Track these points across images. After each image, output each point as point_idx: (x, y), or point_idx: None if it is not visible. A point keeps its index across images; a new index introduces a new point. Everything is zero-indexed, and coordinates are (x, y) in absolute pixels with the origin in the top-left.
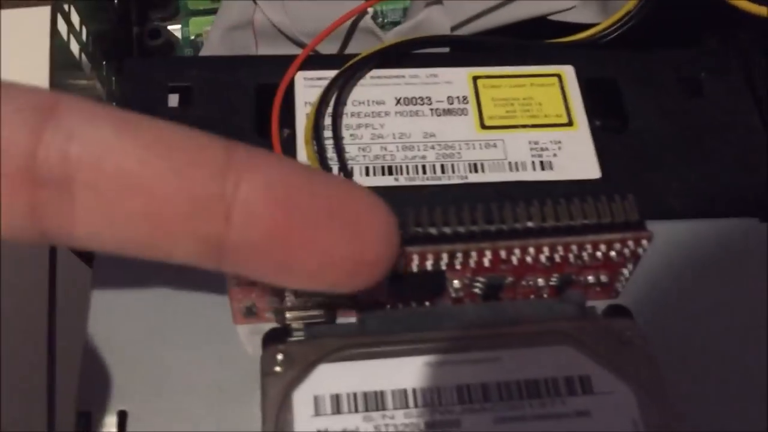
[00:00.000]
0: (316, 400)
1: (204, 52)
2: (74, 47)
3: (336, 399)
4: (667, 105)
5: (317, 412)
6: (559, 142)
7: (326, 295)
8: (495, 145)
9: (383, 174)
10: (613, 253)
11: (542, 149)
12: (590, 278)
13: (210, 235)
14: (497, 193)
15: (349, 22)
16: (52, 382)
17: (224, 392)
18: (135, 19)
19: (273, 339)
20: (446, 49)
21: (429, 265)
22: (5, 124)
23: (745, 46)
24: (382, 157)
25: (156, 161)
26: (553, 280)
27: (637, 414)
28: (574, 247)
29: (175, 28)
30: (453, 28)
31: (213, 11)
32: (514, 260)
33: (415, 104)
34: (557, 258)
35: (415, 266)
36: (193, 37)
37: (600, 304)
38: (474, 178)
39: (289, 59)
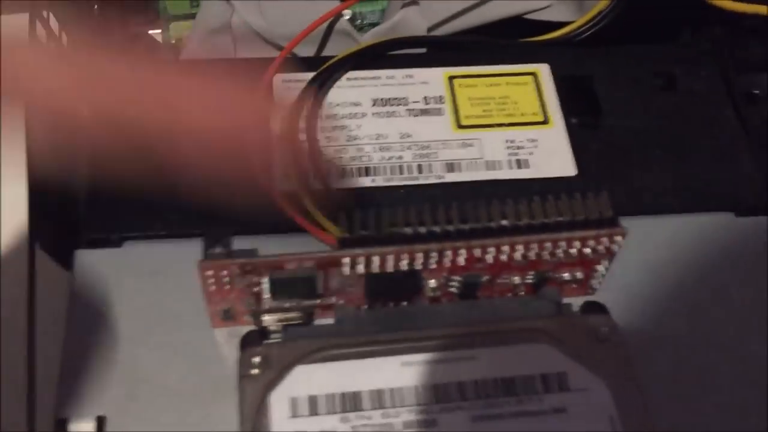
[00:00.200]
0: (293, 401)
1: (184, 55)
2: None
3: (313, 400)
4: (642, 100)
5: (294, 414)
6: (535, 140)
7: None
8: (471, 145)
9: (360, 175)
10: (587, 250)
11: (518, 147)
12: (566, 275)
13: None
14: (474, 192)
15: (325, 25)
16: (32, 388)
17: (202, 395)
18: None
19: (250, 341)
20: (423, 50)
21: (404, 264)
22: None
23: (719, 39)
24: (358, 158)
25: None
26: (529, 278)
27: (614, 410)
28: (548, 245)
29: (155, 33)
30: (430, 29)
31: (193, 15)
32: (489, 259)
33: (392, 105)
34: (532, 255)
35: (390, 266)
36: (174, 42)
37: (577, 301)
38: (451, 177)
39: (267, 62)
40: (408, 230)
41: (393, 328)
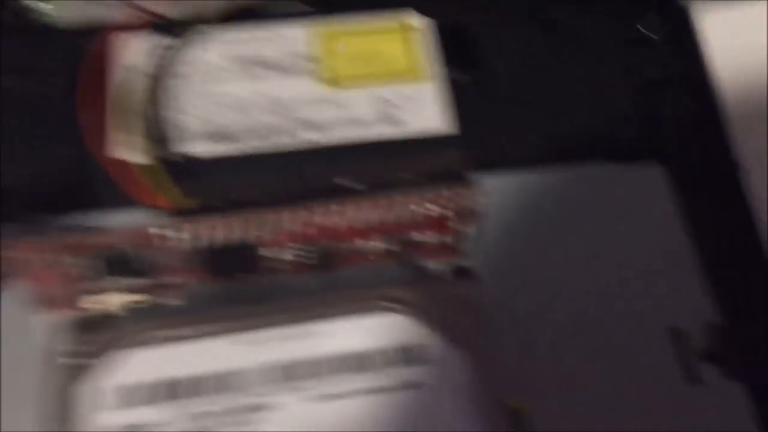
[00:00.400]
0: (114, 391)
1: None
2: None
3: (134, 389)
4: (522, 48)
5: (122, 404)
6: (408, 96)
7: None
8: (340, 104)
9: (216, 141)
10: (442, 209)
11: (390, 104)
12: (427, 238)
13: None
14: (342, 154)
15: None
16: None
17: (20, 387)
18: None
19: (69, 329)
20: (294, 6)
21: (237, 235)
22: None
23: None
24: (215, 122)
25: None
26: (388, 243)
27: (471, 380)
28: (398, 205)
29: (46, 7)
30: None
31: None
32: (335, 223)
33: (257, 65)
34: (382, 218)
35: (222, 237)
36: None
37: (444, 266)
38: (317, 139)
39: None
40: (242, 198)
41: (239, 304)
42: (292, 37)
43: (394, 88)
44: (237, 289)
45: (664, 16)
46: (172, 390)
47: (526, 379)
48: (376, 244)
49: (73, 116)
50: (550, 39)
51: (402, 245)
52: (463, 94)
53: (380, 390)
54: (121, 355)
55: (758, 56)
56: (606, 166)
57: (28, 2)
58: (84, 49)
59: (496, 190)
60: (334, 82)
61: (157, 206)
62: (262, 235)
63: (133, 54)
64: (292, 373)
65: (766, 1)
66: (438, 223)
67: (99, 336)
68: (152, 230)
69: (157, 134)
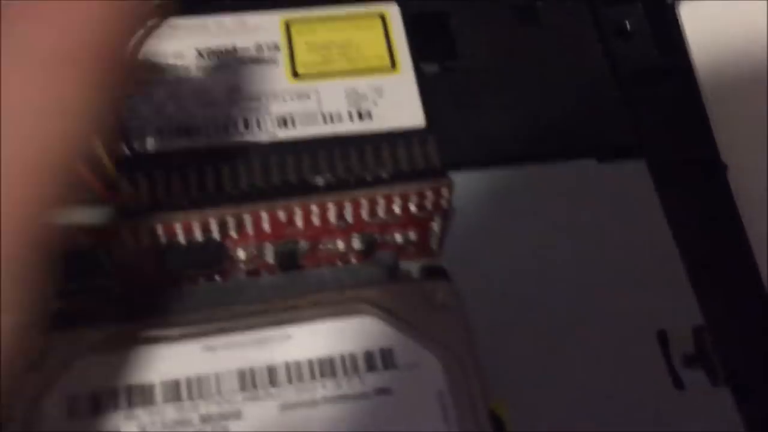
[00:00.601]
0: (71, 399)
1: None
2: None
3: (95, 396)
4: (501, 39)
5: (71, 414)
6: (380, 88)
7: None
8: (308, 96)
9: (178, 136)
10: (412, 207)
11: (360, 97)
12: (398, 237)
13: None
14: (310, 149)
15: None
16: None
17: None
18: None
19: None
20: None
21: (199, 234)
22: None
23: None
24: (178, 117)
25: None
26: (356, 243)
27: (444, 385)
28: (364, 202)
29: None
30: None
31: None
32: (299, 221)
33: (219, 55)
34: (348, 216)
35: (182, 237)
36: None
37: (416, 266)
38: (284, 133)
39: None
40: (200, 195)
41: (204, 307)
42: (261, 27)
43: (366, 80)
44: (202, 289)
45: (647, 9)
46: (146, 395)
47: (504, 383)
48: (345, 243)
49: None
50: (529, 30)
51: (372, 244)
52: (439, 87)
53: (347, 397)
54: (88, 359)
55: (739, 49)
56: (589, 164)
57: None
58: None
59: (473, 188)
60: (303, 73)
61: (116, 202)
62: (227, 234)
63: None
64: (253, 381)
65: None
66: (410, 222)
67: (63, 340)
68: (113, 228)
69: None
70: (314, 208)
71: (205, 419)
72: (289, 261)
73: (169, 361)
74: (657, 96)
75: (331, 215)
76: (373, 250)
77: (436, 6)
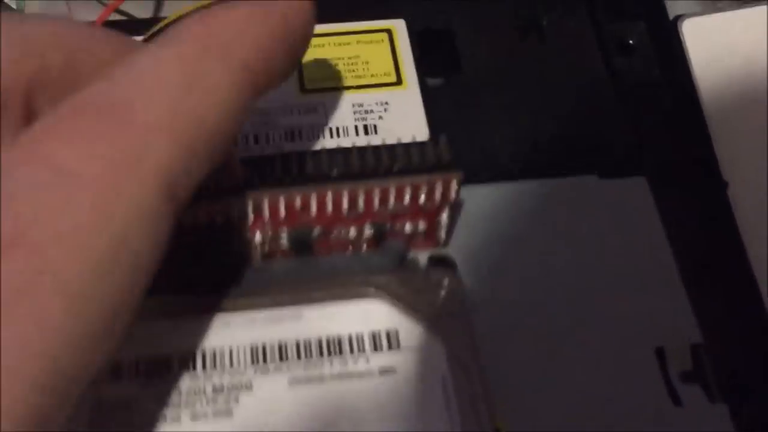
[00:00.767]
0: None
1: None
2: None
3: (115, 365)
4: (505, 56)
5: (108, 379)
6: (386, 103)
7: None
8: (315, 110)
9: None
10: (422, 197)
11: (367, 111)
12: (407, 227)
13: None
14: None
15: None
16: None
17: None
18: None
19: None
20: None
21: (220, 219)
22: None
23: None
24: None
25: None
26: (368, 231)
27: (447, 369)
28: (377, 192)
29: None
30: None
31: None
32: (313, 209)
33: None
34: (361, 205)
35: (203, 219)
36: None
37: (424, 255)
38: (291, 147)
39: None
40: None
41: (222, 287)
42: None
43: (372, 94)
44: (220, 270)
45: (649, 25)
46: (163, 365)
47: (501, 397)
48: (356, 231)
49: None
50: (533, 46)
51: (382, 233)
52: (443, 101)
53: (353, 375)
54: None
55: (740, 66)
56: (590, 179)
57: None
58: None
59: (475, 202)
60: (311, 88)
61: None
62: (244, 219)
63: None
64: (264, 355)
65: (747, 9)
66: (420, 212)
67: None
68: None
69: None
70: (329, 197)
71: (217, 389)
72: (302, 246)
73: (185, 334)
74: (658, 112)
75: (345, 204)
76: (383, 239)
77: (441, 22)
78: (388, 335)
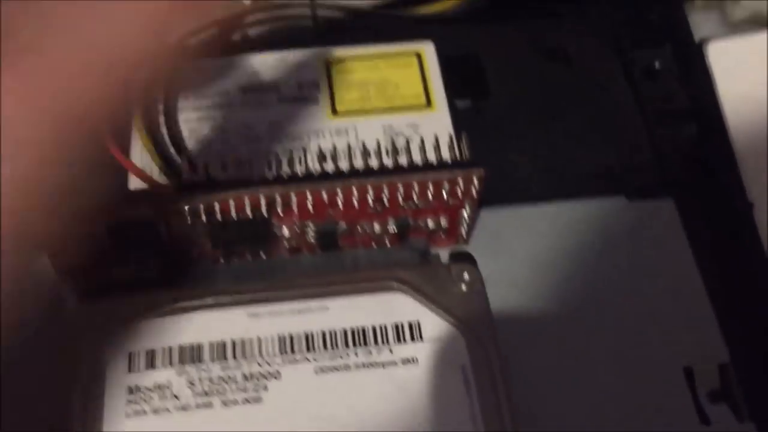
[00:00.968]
0: (130, 356)
1: None
2: None
3: (150, 354)
4: (532, 79)
5: (130, 369)
6: (416, 125)
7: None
8: (347, 132)
9: (225, 170)
10: (444, 193)
11: (397, 134)
12: (430, 223)
13: None
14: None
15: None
16: None
17: (46, 351)
18: None
19: (92, 296)
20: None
21: (249, 211)
22: None
23: (614, 11)
24: (225, 151)
25: None
26: (391, 226)
27: (467, 361)
28: (400, 187)
29: None
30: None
31: None
32: (339, 203)
33: (262, 92)
34: (385, 200)
35: (234, 213)
36: None
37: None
38: (326, 168)
39: None
40: (252, 175)
41: (250, 279)
42: (301, 65)
43: (402, 117)
44: (248, 266)
45: (675, 49)
46: (195, 354)
47: (528, 419)
48: (380, 226)
49: None
50: (559, 70)
51: (405, 228)
52: (472, 124)
53: (377, 365)
54: (146, 321)
55: (765, 88)
56: (618, 201)
57: None
58: None
59: (503, 223)
60: (342, 111)
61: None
62: (271, 212)
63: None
64: (292, 345)
65: None
66: (442, 208)
67: (125, 303)
68: (171, 205)
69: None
70: (354, 192)
71: (248, 377)
72: (328, 240)
73: (216, 324)
74: (684, 134)
75: (370, 199)
76: (406, 234)
77: (469, 45)
78: (410, 327)
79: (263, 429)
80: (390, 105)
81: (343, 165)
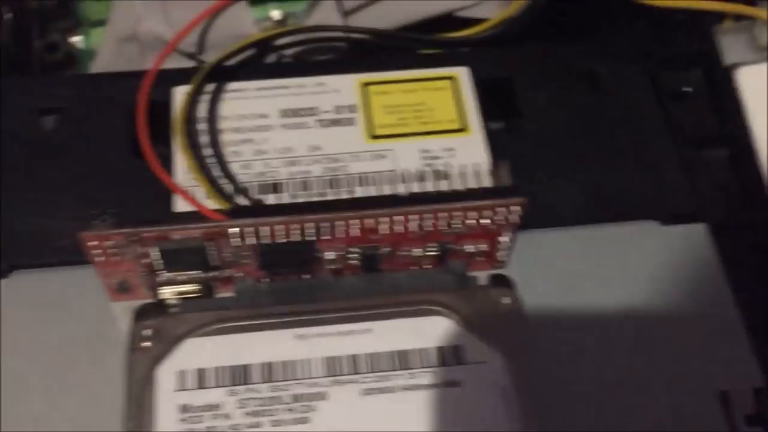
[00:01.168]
0: (181, 374)
1: (96, 66)
2: None
3: (201, 373)
4: (564, 102)
5: (181, 387)
6: (452, 148)
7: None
8: (384, 156)
9: (266, 192)
10: (486, 221)
11: (434, 158)
12: (470, 247)
13: None
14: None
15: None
16: None
17: (97, 369)
18: (36, 33)
19: (142, 314)
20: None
21: (296, 235)
22: None
23: (644, 36)
24: (265, 174)
25: None
26: (432, 250)
27: (508, 383)
28: (444, 215)
29: (76, 40)
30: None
31: None
32: (384, 229)
33: (301, 116)
34: (428, 226)
35: (281, 237)
36: (94, 49)
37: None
38: (362, 192)
39: (166, 73)
40: (299, 200)
41: (292, 301)
42: (338, 89)
43: (438, 140)
44: (292, 286)
45: (705, 73)
46: (244, 374)
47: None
48: (422, 250)
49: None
50: (592, 93)
51: (445, 252)
52: (506, 147)
53: (421, 387)
54: (194, 340)
55: None
56: (652, 225)
57: (57, 37)
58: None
59: (536, 247)
60: (380, 134)
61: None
62: (317, 237)
63: (181, 100)
64: (338, 367)
65: None
66: (482, 233)
67: (172, 322)
68: (218, 227)
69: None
70: (398, 218)
71: (297, 398)
72: (370, 263)
73: (265, 345)
74: (714, 160)
75: (413, 225)
76: (445, 258)
77: (502, 70)
78: (453, 350)
79: None
80: (426, 129)
81: (386, 189)
